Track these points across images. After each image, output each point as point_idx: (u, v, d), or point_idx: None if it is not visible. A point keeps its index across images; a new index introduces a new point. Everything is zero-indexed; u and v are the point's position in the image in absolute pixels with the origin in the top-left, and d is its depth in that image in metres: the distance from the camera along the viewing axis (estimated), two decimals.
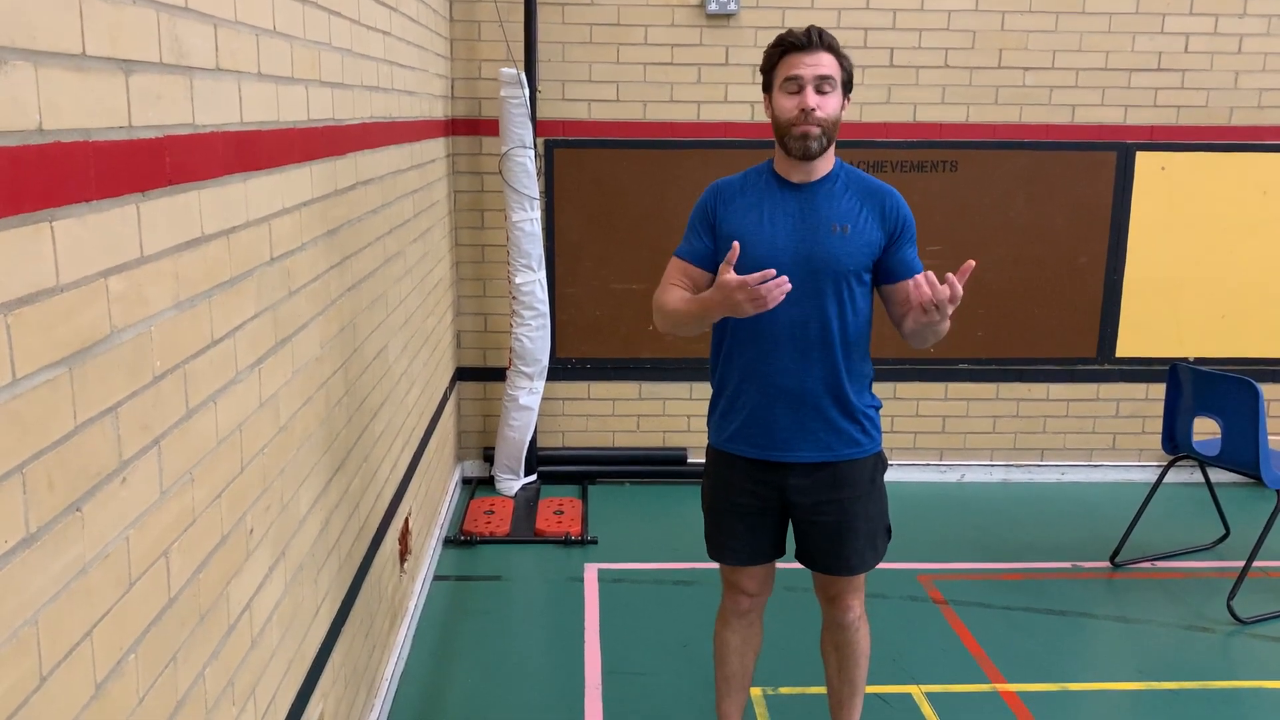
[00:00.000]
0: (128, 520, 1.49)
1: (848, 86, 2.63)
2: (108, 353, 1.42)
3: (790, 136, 2.59)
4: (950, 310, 2.38)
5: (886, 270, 2.67)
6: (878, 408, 2.79)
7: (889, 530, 2.86)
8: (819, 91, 2.56)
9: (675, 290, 2.72)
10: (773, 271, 2.35)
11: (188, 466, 1.71)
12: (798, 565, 2.88)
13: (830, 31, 2.63)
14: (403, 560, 3.71)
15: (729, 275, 2.38)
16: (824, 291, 2.60)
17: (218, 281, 1.84)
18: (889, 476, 2.90)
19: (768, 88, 2.66)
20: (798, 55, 2.57)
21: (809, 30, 2.59)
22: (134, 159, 1.50)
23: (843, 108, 2.63)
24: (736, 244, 2.42)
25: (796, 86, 2.57)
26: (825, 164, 2.66)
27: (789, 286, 2.34)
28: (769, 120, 2.66)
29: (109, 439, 1.43)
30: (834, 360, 2.64)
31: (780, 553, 2.87)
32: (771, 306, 2.37)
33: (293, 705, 2.31)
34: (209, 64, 1.80)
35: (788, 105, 2.58)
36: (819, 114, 2.55)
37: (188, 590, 1.72)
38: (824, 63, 2.56)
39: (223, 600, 1.88)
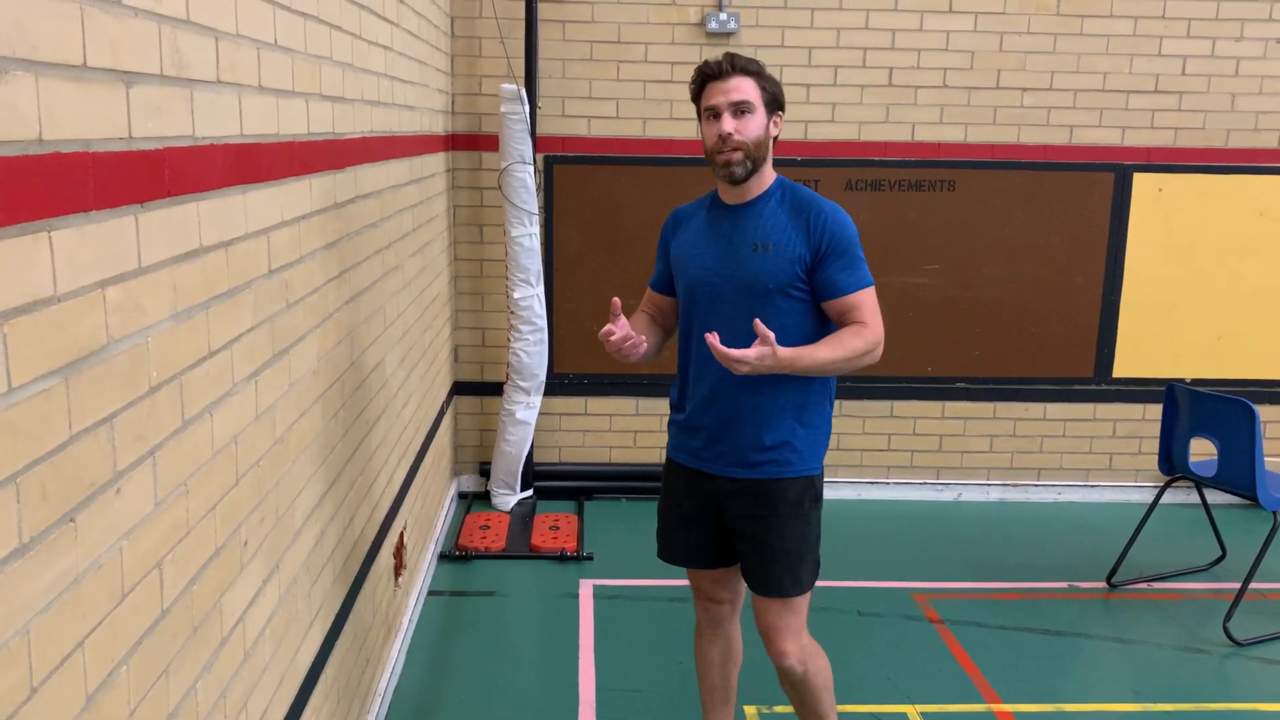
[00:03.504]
0: (121, 531, 1.49)
1: (774, 105, 2.68)
2: (104, 363, 1.42)
3: (715, 164, 2.66)
4: (742, 366, 2.44)
5: (816, 288, 2.65)
6: (820, 429, 2.74)
7: (817, 564, 2.80)
8: (736, 115, 2.61)
9: (638, 315, 2.95)
10: (613, 330, 2.64)
11: (183, 478, 1.71)
12: None
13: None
14: (397, 575, 3.70)
15: (604, 329, 2.66)
16: (751, 309, 2.59)
17: (215, 293, 1.85)
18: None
19: (699, 116, 2.74)
20: (715, 84, 2.65)
21: (722, 58, 2.67)
22: (133, 170, 1.50)
23: (771, 126, 2.67)
24: (616, 300, 2.67)
25: (715, 114, 2.64)
26: (759, 184, 2.70)
27: (634, 350, 2.68)
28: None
29: (104, 449, 1.43)
30: (762, 378, 2.61)
31: (724, 560, 2.88)
32: (629, 359, 2.69)
33: (284, 719, 2.30)
34: (209, 76, 1.81)
35: (709, 133, 2.66)
36: (736, 138, 2.60)
37: (181, 602, 1.71)
38: (741, 87, 2.62)
39: (216, 612, 1.88)
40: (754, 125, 2.62)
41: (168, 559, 1.65)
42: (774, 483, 2.70)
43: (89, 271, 1.38)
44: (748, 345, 2.50)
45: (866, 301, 2.63)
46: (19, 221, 1.20)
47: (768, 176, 2.71)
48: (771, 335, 2.44)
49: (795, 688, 2.85)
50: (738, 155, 2.61)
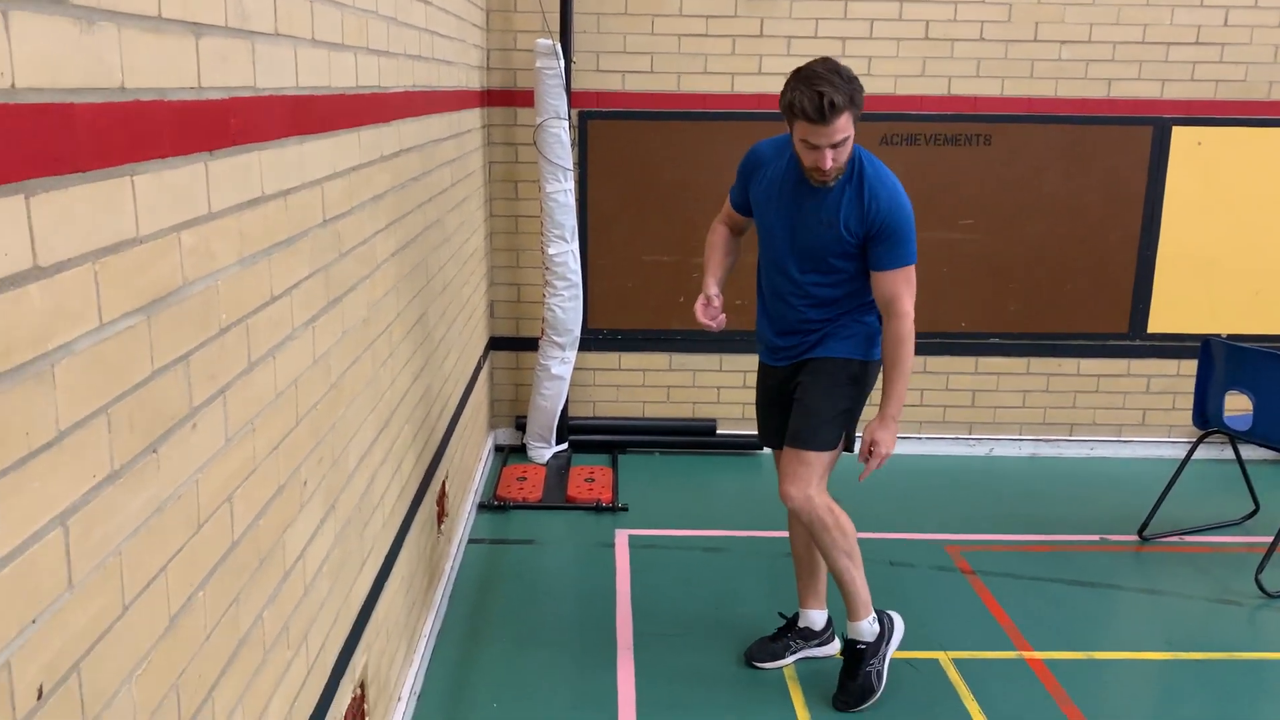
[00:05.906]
0: (197, 464, 1.56)
1: (858, 114, 2.95)
2: (180, 304, 1.49)
3: (811, 177, 3.04)
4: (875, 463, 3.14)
5: (866, 256, 3.11)
6: (858, 334, 3.20)
7: (845, 436, 3.26)
8: (833, 147, 2.92)
9: (718, 231, 3.44)
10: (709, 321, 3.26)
11: (249, 417, 1.78)
12: None
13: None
14: (440, 521, 3.79)
15: (698, 307, 3.26)
16: (811, 266, 3.15)
17: (275, 240, 1.91)
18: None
19: (790, 126, 3.02)
20: (814, 127, 2.88)
21: (823, 104, 2.83)
22: (203, 119, 1.56)
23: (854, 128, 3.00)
24: (715, 296, 3.28)
25: (814, 147, 2.94)
26: None
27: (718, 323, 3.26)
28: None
29: (181, 386, 1.50)
30: (819, 308, 3.20)
31: None
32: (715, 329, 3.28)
33: (340, 654, 2.40)
34: (269, 28, 1.86)
35: (807, 156, 2.98)
36: (835, 167, 2.97)
37: (249, 535, 1.79)
38: (840, 128, 2.89)
39: (279, 548, 1.96)
40: (848, 148, 2.97)
41: (237, 493, 1.73)
42: (815, 360, 3.23)
43: (166, 215, 1.44)
44: (801, 287, 3.18)
45: (900, 277, 3.06)
46: (107, 165, 1.26)
47: None
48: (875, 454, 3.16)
49: (809, 529, 3.27)
50: (832, 176, 3.00)
